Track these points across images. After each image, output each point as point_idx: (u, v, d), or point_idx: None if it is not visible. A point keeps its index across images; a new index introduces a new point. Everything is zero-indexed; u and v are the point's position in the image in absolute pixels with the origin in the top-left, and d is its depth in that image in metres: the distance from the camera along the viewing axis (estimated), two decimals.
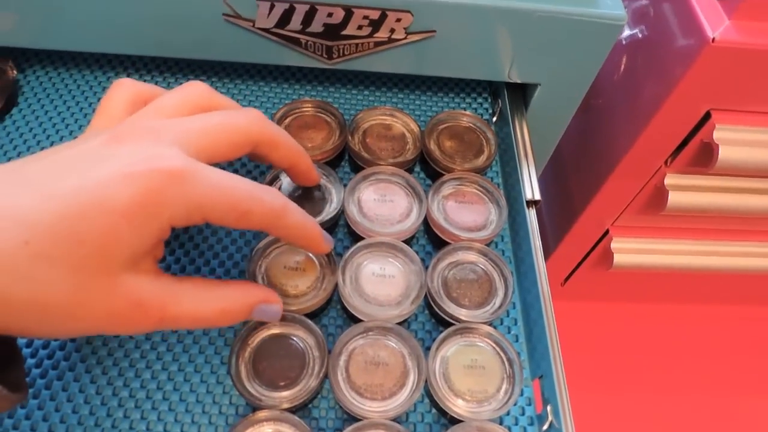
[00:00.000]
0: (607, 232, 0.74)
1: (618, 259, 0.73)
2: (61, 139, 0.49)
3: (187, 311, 0.30)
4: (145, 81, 0.53)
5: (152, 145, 0.27)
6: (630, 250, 0.73)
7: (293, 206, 0.32)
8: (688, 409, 0.89)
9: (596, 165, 0.69)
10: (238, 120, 0.32)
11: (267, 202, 0.30)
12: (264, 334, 0.39)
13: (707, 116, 0.55)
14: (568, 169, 0.80)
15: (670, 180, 0.62)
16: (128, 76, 0.54)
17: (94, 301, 0.26)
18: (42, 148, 0.49)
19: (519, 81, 0.50)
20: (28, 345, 0.39)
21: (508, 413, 0.40)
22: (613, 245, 0.73)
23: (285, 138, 0.35)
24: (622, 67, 0.65)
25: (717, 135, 0.54)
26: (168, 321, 0.29)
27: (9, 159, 0.48)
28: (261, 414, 0.35)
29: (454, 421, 0.37)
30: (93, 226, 0.25)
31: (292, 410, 0.36)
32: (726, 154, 0.54)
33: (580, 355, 0.83)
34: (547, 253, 0.84)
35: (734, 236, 0.75)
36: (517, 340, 0.44)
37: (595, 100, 0.70)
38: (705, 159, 0.57)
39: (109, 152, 0.27)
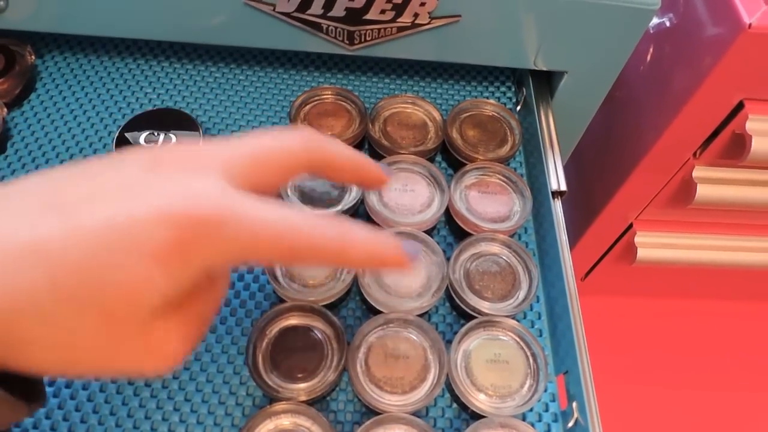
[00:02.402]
0: (630, 225, 0.73)
1: (642, 253, 0.71)
2: (79, 125, 0.49)
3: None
4: (162, 67, 0.53)
5: (193, 177, 0.25)
6: (654, 245, 0.72)
7: (354, 235, 0.27)
8: (715, 405, 0.87)
9: (621, 157, 0.67)
10: (292, 144, 0.28)
11: (319, 240, 0.26)
12: (282, 324, 0.38)
13: (740, 106, 0.53)
14: (590, 162, 0.79)
15: (698, 173, 0.61)
16: (146, 62, 0.53)
17: (122, 348, 0.24)
18: (60, 135, 0.48)
19: (545, 68, 0.49)
20: None
21: (531, 409, 0.39)
22: (637, 239, 0.72)
23: (343, 157, 0.30)
24: (649, 56, 0.64)
25: (750, 126, 0.53)
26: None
27: (27, 144, 0.47)
28: (279, 406, 0.35)
29: (476, 416, 0.36)
30: (123, 270, 0.23)
31: (310, 402, 0.36)
32: (759, 145, 0.52)
33: (600, 351, 0.81)
34: None
35: (763, 231, 0.73)
36: (540, 335, 0.42)
37: (620, 91, 0.68)
38: (736, 151, 0.55)
39: (147, 181, 0.24)
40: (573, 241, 0.81)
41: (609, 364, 0.87)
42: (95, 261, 0.22)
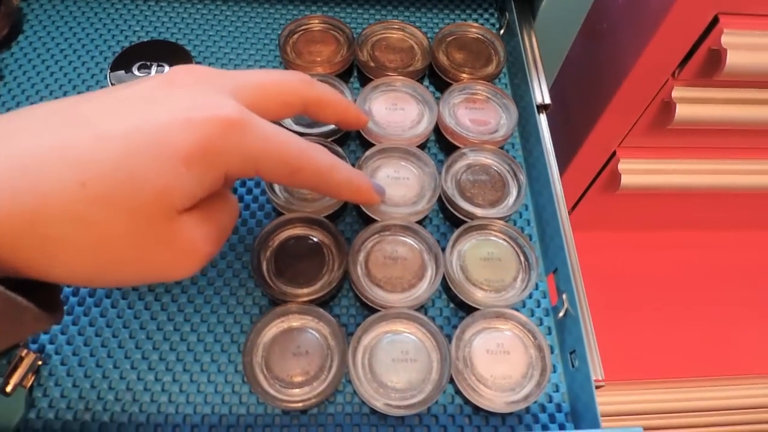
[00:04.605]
0: (614, 154, 0.75)
1: (626, 180, 0.73)
2: (70, 63, 0.50)
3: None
4: (149, 6, 0.53)
5: (209, 91, 0.27)
6: (638, 171, 0.73)
7: (341, 164, 0.32)
8: (699, 334, 0.90)
9: (601, 85, 0.69)
10: (291, 80, 0.32)
11: (317, 159, 0.30)
12: (284, 235, 0.40)
13: (715, 21, 0.54)
14: (571, 95, 0.80)
15: (677, 93, 0.62)
16: (132, 0, 0.54)
17: (153, 246, 0.25)
18: (52, 74, 0.49)
19: None
20: None
21: (524, 305, 0.41)
22: (621, 166, 0.73)
23: (331, 96, 0.34)
24: None
25: (725, 40, 0.54)
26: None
27: (19, 84, 0.48)
28: (286, 307, 0.36)
29: (473, 311, 0.38)
30: (152, 170, 0.24)
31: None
32: (734, 59, 0.54)
33: (589, 285, 0.84)
34: None
35: (742, 154, 0.75)
36: (531, 240, 0.44)
37: (598, 22, 0.69)
38: (713, 67, 0.57)
39: (165, 94, 0.26)
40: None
41: (599, 298, 0.90)
42: (125, 164, 0.24)
